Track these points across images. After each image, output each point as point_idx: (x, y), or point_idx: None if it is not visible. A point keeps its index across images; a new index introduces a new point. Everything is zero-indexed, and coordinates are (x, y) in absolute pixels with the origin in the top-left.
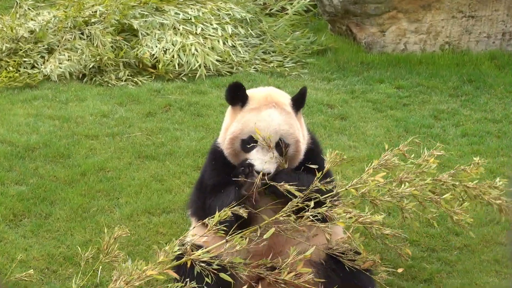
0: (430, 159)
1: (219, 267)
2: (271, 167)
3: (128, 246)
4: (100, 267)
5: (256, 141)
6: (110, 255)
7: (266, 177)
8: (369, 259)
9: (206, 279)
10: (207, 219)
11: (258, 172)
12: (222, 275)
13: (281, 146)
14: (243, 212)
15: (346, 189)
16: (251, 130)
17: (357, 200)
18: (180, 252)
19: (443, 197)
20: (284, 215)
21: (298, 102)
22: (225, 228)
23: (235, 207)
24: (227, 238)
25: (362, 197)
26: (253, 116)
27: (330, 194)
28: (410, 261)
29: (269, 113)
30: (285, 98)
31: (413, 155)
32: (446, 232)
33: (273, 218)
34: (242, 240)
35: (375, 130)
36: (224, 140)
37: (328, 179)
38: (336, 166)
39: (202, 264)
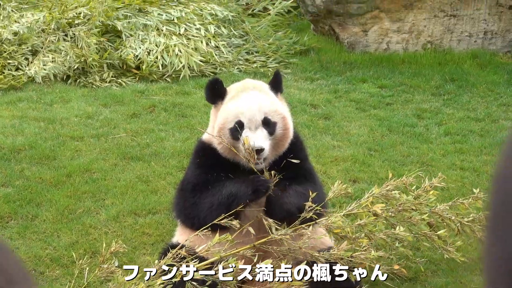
0: (429, 191)
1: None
2: (264, 144)
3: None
4: (87, 268)
5: (242, 126)
6: (107, 270)
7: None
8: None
9: None
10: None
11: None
12: None
13: (268, 124)
14: (236, 224)
15: (343, 215)
16: (235, 116)
17: (352, 231)
18: (171, 263)
19: (438, 233)
20: (281, 233)
21: (275, 84)
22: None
23: (225, 219)
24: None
25: (359, 229)
26: (234, 103)
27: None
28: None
29: (249, 95)
30: (261, 84)
31: (414, 187)
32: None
33: (269, 237)
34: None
35: (358, 129)
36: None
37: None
38: (320, 165)
39: (194, 283)
